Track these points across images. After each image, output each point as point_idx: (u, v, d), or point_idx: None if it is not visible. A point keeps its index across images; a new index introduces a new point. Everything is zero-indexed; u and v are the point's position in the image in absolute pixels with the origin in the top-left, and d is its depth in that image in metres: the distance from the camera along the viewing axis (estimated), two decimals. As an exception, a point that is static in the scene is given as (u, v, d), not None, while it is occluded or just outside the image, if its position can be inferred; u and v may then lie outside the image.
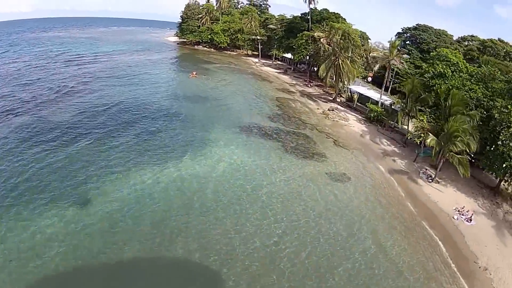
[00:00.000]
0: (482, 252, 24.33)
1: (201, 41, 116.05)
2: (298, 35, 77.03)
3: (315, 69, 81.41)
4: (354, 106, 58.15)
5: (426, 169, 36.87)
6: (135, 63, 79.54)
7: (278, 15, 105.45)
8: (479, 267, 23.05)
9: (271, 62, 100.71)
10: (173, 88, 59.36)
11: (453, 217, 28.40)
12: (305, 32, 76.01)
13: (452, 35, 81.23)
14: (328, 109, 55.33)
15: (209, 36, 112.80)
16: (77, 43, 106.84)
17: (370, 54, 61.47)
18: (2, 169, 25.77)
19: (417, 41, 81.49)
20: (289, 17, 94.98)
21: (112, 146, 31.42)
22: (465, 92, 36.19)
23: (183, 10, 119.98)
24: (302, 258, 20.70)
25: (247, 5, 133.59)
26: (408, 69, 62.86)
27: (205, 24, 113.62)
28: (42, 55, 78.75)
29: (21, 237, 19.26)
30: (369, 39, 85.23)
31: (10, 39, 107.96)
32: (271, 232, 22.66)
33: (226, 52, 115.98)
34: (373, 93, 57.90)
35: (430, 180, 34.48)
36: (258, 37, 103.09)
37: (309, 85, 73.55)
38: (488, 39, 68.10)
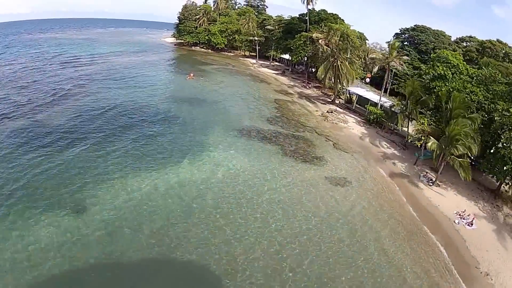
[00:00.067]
0: (484, 257, 24.16)
1: (198, 42, 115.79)
2: (296, 36, 76.78)
3: (313, 70, 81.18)
4: (353, 108, 57.86)
5: (427, 172, 36.64)
6: (132, 64, 78.86)
7: (275, 16, 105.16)
8: (481, 273, 22.88)
9: (268, 63, 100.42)
10: (170, 90, 58.79)
11: (454, 221, 28.18)
12: (303, 33, 75.77)
13: (450, 36, 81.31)
14: (327, 111, 54.98)
15: (207, 37, 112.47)
16: (73, 45, 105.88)
17: (369, 56, 61.13)
18: (-3, 175, 25.16)
19: (415, 42, 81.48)
20: (287, 18, 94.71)
21: (109, 151, 30.76)
22: (466, 95, 35.91)
23: (180, 11, 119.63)
24: (304, 267, 20.24)
25: (245, 6, 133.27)
26: (408, 70, 62.66)
27: (202, 25, 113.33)
28: (39, 57, 77.89)
29: (16, 247, 18.69)
30: (367, 40, 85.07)
31: (7, 41, 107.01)
32: (273, 240, 22.18)
33: (223, 53, 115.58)
34: (372, 95, 57.67)
35: (431, 184, 34.26)
36: (256, 38, 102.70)
37: (307, 87, 73.25)
38: (487, 40, 68.11)
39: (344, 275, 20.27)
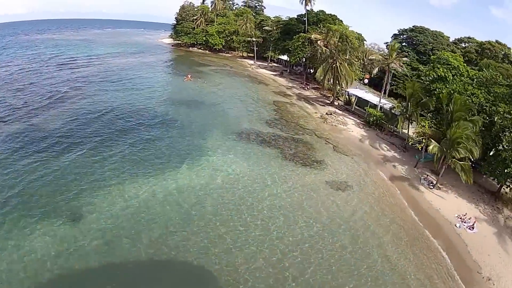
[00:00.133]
0: (485, 261, 24.04)
1: (195, 43, 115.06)
2: (294, 37, 76.31)
3: (311, 71, 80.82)
4: (352, 109, 57.51)
5: (427, 175, 36.40)
6: (129, 66, 78.20)
7: (273, 17, 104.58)
8: (483, 277, 22.78)
9: (266, 64, 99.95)
10: (168, 92, 58.20)
11: (455, 225, 28.03)
12: (302, 34, 75.33)
13: (449, 37, 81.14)
14: (326, 113, 54.61)
15: (204, 38, 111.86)
16: (70, 46, 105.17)
17: (369, 57, 60.79)
18: (-8, 182, 24.60)
19: (413, 42, 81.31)
20: (285, 19, 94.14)
21: (106, 156, 30.19)
22: (467, 97, 35.63)
23: (177, 11, 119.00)
24: (307, 276, 19.84)
25: (242, 7, 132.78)
26: (407, 72, 62.43)
27: (200, 26, 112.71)
28: (35, 58, 77.30)
29: (12, 257, 18.22)
30: (365, 40, 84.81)
31: (4, 42, 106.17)
32: (274, 248, 21.74)
33: (221, 54, 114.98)
34: (371, 97, 57.32)
35: (432, 187, 34.02)
36: (254, 39, 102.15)
37: (306, 88, 72.85)
38: (486, 41, 67.97)
39: (347, 284, 19.91)
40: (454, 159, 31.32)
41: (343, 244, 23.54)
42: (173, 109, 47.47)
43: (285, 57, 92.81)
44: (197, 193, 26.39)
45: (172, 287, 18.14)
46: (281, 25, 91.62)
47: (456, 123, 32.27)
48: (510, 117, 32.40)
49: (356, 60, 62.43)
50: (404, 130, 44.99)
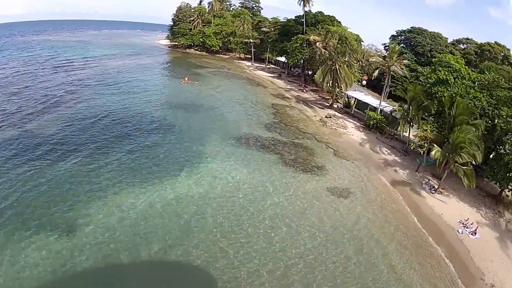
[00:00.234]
0: (488, 267, 23.88)
1: (192, 44, 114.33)
2: (292, 38, 75.85)
3: (310, 73, 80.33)
4: (352, 112, 56.97)
5: (429, 179, 36.05)
6: (126, 68, 77.38)
7: (271, 18, 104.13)
8: (486, 284, 22.56)
9: (264, 65, 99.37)
10: (166, 96, 57.38)
11: (457, 231, 27.77)
12: (300, 35, 74.87)
13: (447, 38, 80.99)
14: (326, 116, 54.01)
15: (201, 39, 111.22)
16: (67, 47, 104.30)
17: (370, 59, 60.25)
18: (-14, 193, 23.76)
19: (412, 44, 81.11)
20: (282, 20, 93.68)
21: (102, 164, 29.30)
22: (470, 101, 35.19)
23: (174, 12, 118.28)
24: (312, 290, 19.23)
25: (239, 8, 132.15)
26: (408, 74, 62.01)
27: (196, 27, 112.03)
28: (31, 60, 76.47)
29: (8, 272, 17.57)
30: (362, 41, 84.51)
31: (0, 43, 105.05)
32: (278, 261, 21.05)
33: (218, 55, 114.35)
34: (371, 99, 56.78)
35: (433, 191, 33.68)
36: (251, 40, 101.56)
37: (304, 90, 72.29)
38: (485, 43, 67.73)
39: (353, 298, 19.33)
40: (456, 164, 30.91)
41: (348, 254, 22.97)
42: (171, 113, 46.68)
43: (283, 59, 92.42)
44: (196, 203, 25.59)
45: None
46: (279, 26, 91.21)
47: (458, 127, 31.97)
48: (513, 120, 32.07)
49: (355, 62, 61.95)
50: (404, 133, 44.52)
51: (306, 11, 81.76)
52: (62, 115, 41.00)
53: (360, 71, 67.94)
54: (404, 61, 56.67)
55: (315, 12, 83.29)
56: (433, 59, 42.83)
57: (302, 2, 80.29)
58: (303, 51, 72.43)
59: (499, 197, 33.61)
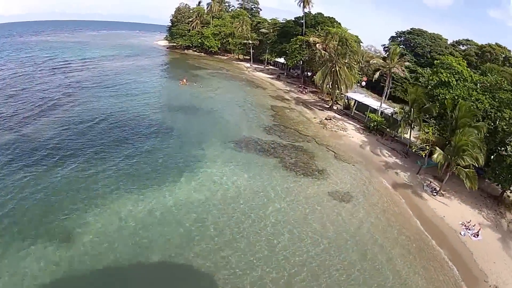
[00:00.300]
0: (491, 269, 23.83)
1: (191, 45, 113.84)
2: (291, 39, 75.45)
3: (309, 74, 79.98)
4: (352, 114, 56.58)
5: (430, 182, 35.83)
6: (124, 70, 76.88)
7: (270, 19, 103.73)
8: (490, 286, 22.52)
9: (263, 67, 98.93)
10: (164, 98, 56.83)
11: (460, 233, 27.65)
12: (299, 36, 74.46)
13: (447, 39, 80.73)
14: (326, 118, 53.65)
15: (200, 40, 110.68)
16: (65, 48, 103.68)
17: (371, 61, 59.85)
18: (-18, 201, 23.20)
19: (411, 45, 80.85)
20: (282, 21, 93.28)
21: (99, 170, 28.64)
22: (472, 103, 34.90)
23: (173, 13, 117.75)
24: (316, 298, 18.82)
25: (238, 9, 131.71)
26: (408, 75, 61.71)
27: (195, 28, 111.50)
28: (29, 62, 75.96)
29: (8, 284, 17.15)
30: (361, 42, 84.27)
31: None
32: (281, 269, 20.57)
33: (217, 56, 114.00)
34: (371, 101, 56.41)
35: (435, 194, 33.43)
36: (250, 41, 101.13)
37: (304, 92, 71.93)
38: (486, 44, 67.43)
39: (358, 306, 18.93)
40: (459, 166, 30.67)
41: (352, 260, 22.60)
42: (169, 116, 46.15)
43: (282, 60, 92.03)
44: (196, 210, 25.02)
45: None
46: (278, 28, 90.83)
47: (461, 130, 31.72)
48: (516, 123, 31.83)
49: (355, 63, 61.59)
50: (405, 135, 44.18)
51: (305, 12, 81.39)
52: (59, 118, 40.42)
53: (359, 72, 67.61)
54: (406, 63, 56.25)
55: (315, 13, 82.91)
56: (435, 61, 42.43)
57: (301, 3, 79.92)
58: (302, 53, 72.06)
59: (500, 198, 33.57)
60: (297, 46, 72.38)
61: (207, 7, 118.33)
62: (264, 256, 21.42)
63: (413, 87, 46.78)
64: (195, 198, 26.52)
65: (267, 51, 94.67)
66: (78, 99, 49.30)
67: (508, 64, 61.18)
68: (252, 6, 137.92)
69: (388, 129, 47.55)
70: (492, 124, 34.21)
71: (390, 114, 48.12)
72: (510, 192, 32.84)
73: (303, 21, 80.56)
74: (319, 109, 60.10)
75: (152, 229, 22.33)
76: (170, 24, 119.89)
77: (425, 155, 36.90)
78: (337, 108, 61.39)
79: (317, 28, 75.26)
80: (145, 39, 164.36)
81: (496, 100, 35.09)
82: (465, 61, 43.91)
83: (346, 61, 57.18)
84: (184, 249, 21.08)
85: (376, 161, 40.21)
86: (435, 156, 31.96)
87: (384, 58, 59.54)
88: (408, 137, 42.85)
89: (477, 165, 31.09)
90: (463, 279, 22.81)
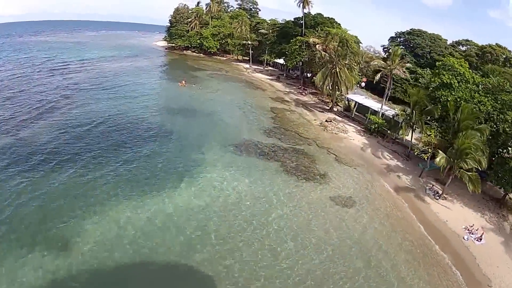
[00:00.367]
0: (495, 273, 23.79)
1: (190, 46, 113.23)
2: (291, 40, 75.05)
3: (308, 75, 79.58)
4: (352, 116, 56.19)
5: (433, 185, 35.61)
6: (123, 71, 76.45)
7: (269, 20, 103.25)
8: None
9: (262, 68, 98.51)
10: (163, 100, 56.41)
11: (463, 238, 27.45)
12: (299, 37, 74.06)
13: (446, 40, 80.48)
14: (326, 120, 53.27)
15: (198, 41, 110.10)
16: (64, 49, 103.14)
17: (372, 63, 59.46)
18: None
19: (411, 45, 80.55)
20: (281, 22, 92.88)
21: (98, 175, 28.03)
22: (474, 105, 34.57)
23: (171, 14, 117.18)
24: (321, 309, 18.38)
25: (237, 9, 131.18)
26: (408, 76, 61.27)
27: (194, 29, 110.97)
28: (27, 63, 75.44)
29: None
30: (361, 43, 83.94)
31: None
32: (286, 279, 20.12)
33: (216, 57, 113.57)
34: (372, 103, 56.00)
35: (438, 197, 33.16)
36: (249, 42, 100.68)
37: (304, 93, 71.52)
38: (486, 45, 67.09)
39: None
40: (461, 170, 30.40)
41: (356, 267, 22.24)
42: (169, 118, 45.66)
43: (281, 61, 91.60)
44: (197, 217, 24.49)
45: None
46: (277, 28, 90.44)
47: (464, 133, 31.44)
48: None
49: (356, 64, 61.20)
50: (407, 137, 43.82)
51: (305, 13, 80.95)
52: (56, 121, 39.85)
53: (359, 73, 67.24)
54: (407, 64, 55.87)
55: (315, 14, 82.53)
56: (437, 63, 42.06)
57: (301, 4, 79.52)
58: (302, 54, 71.64)
59: (502, 201, 33.38)
60: (297, 47, 71.98)
61: (206, 8, 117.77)
62: (267, 265, 20.94)
63: (413, 88, 46.59)
64: (196, 205, 26.00)
65: (266, 52, 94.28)
66: (76, 102, 48.76)
67: (508, 65, 60.93)
68: (251, 7, 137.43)
69: (389, 131, 47.27)
70: (494, 126, 33.87)
71: (391, 116, 47.77)
72: (513, 194, 32.50)
73: (302, 21, 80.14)
74: (319, 111, 59.71)
75: (152, 237, 21.81)
76: (169, 24, 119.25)
77: (427, 158, 36.53)
78: (337, 109, 61.01)
79: (317, 29, 74.85)
80: (144, 40, 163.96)
81: (499, 102, 34.82)
82: (467, 63, 43.57)
83: (346, 62, 56.72)
84: (185, 258, 20.59)
85: (377, 164, 39.88)
86: (437, 159, 31.59)
87: (384, 59, 59.25)
88: (410, 139, 42.48)
89: (480, 169, 30.76)
90: (467, 283, 22.64)
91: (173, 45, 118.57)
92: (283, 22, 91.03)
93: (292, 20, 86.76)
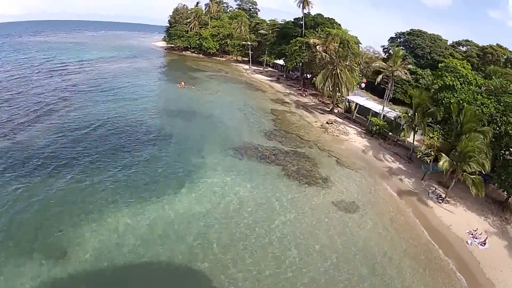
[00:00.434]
0: (498, 278, 23.68)
1: (189, 46, 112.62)
2: (291, 41, 74.57)
3: (308, 76, 79.12)
4: (353, 117, 55.73)
5: (435, 188, 35.23)
6: (122, 72, 75.87)
7: (269, 20, 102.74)
8: None
9: (262, 69, 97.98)
10: (162, 102, 55.76)
11: (467, 242, 27.20)
12: (299, 38, 73.58)
13: (447, 40, 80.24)
14: (327, 122, 52.80)
15: (198, 41, 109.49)
16: (63, 49, 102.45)
17: (373, 64, 59.02)
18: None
19: (411, 46, 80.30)
20: (281, 22, 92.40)
21: (96, 181, 27.42)
22: (477, 107, 34.21)
23: (170, 14, 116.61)
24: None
25: (237, 10, 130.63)
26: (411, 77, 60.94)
27: (193, 29, 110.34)
28: (26, 63, 74.84)
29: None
30: (360, 43, 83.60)
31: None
32: (290, 287, 19.74)
33: (215, 58, 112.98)
34: (373, 104, 55.52)
35: (441, 201, 32.78)
36: (249, 43, 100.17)
37: (304, 95, 70.99)
38: (487, 45, 66.78)
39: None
40: (465, 173, 30.03)
41: (361, 275, 21.87)
42: (168, 121, 45.07)
43: (281, 62, 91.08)
44: (198, 224, 23.95)
45: None
46: (277, 29, 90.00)
47: (467, 135, 31.15)
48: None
49: (356, 65, 60.76)
50: (409, 139, 43.44)
51: (305, 13, 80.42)
52: (54, 124, 39.23)
53: (359, 74, 66.82)
54: (409, 66, 55.49)
55: (315, 15, 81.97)
56: (440, 65, 41.68)
57: (301, 4, 78.97)
58: (302, 54, 71.17)
59: (505, 204, 33.03)
60: (297, 47, 71.53)
61: (205, 8, 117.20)
62: (272, 274, 20.46)
63: (413, 89, 46.25)
64: (196, 211, 25.46)
65: (266, 52, 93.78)
66: (74, 104, 48.16)
67: (510, 66, 60.60)
68: (250, 7, 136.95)
69: (390, 133, 46.86)
70: (497, 128, 33.54)
71: (392, 118, 47.31)
72: (516, 197, 32.10)
73: (302, 22, 79.55)
74: (319, 113, 59.26)
75: (152, 246, 21.29)
76: (168, 25, 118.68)
77: (430, 161, 36.15)
78: (338, 111, 60.55)
79: (317, 29, 74.31)
80: (144, 40, 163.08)
81: (502, 104, 34.54)
82: (469, 64, 43.23)
83: (347, 63, 56.26)
84: (187, 267, 20.10)
85: (379, 167, 39.53)
86: (441, 163, 31.26)
87: (384, 60, 58.87)
88: (412, 142, 42.09)
89: (484, 172, 30.41)
90: (471, 288, 22.03)
91: (172, 45, 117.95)
92: (283, 22, 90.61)
93: (292, 20, 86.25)
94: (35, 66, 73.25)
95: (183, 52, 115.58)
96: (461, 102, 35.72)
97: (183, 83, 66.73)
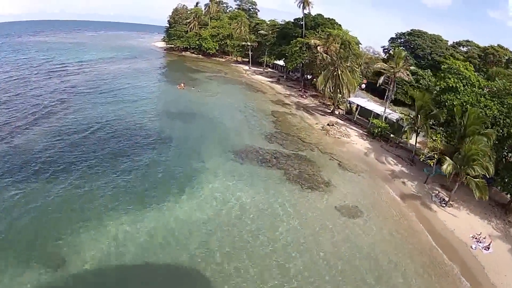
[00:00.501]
0: (503, 282, 23.50)
1: (189, 47, 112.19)
2: (291, 41, 74.15)
3: (309, 77, 78.69)
4: (354, 119, 55.31)
5: (438, 192, 34.88)
6: (121, 73, 75.45)
7: (269, 20, 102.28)
8: None
9: (262, 69, 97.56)
10: (162, 104, 55.25)
11: (471, 247, 26.92)
12: (299, 38, 73.17)
13: (447, 41, 79.98)
14: (328, 124, 52.37)
15: (197, 42, 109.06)
16: (62, 50, 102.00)
17: (375, 66, 58.61)
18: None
19: (411, 46, 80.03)
20: (281, 23, 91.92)
21: (94, 187, 26.85)
22: (480, 109, 33.84)
23: (170, 14, 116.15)
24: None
25: (236, 10, 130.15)
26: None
27: (193, 29, 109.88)
28: (25, 64, 74.43)
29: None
30: (360, 44, 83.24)
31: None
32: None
33: (215, 58, 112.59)
34: (374, 105, 55.11)
35: (444, 205, 32.41)
36: (248, 43, 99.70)
37: (304, 96, 70.58)
38: (489, 46, 66.45)
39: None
40: (468, 176, 29.71)
41: (367, 283, 21.50)
42: (167, 124, 44.57)
43: (281, 63, 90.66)
44: (200, 232, 23.43)
45: None
46: (277, 29, 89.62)
47: (470, 138, 30.80)
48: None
49: (357, 66, 60.36)
50: (411, 142, 43.04)
51: (305, 14, 79.98)
52: (52, 127, 38.68)
53: (360, 75, 66.45)
54: (411, 67, 55.14)
55: (315, 15, 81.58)
56: (442, 66, 41.31)
57: (301, 4, 78.58)
58: (302, 55, 70.77)
59: (508, 207, 32.80)
60: (297, 48, 71.15)
61: (205, 8, 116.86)
62: (277, 284, 19.94)
63: (414, 89, 45.86)
64: (198, 218, 24.93)
65: (266, 53, 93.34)
66: (73, 106, 47.63)
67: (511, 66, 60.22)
68: (250, 7, 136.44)
69: (392, 135, 46.46)
70: (501, 130, 33.22)
71: (394, 120, 46.92)
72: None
73: (303, 22, 79.09)
74: (320, 114, 58.86)
75: (152, 254, 20.78)
76: (168, 25, 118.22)
77: (433, 164, 35.76)
78: (339, 113, 60.15)
79: (317, 30, 73.95)
80: (143, 40, 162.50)
81: (505, 106, 34.25)
82: (472, 66, 42.88)
83: (348, 64, 55.83)
84: (189, 277, 19.67)
85: (381, 169, 39.19)
86: (445, 166, 30.91)
87: (384, 60, 58.47)
88: (414, 144, 41.70)
89: (488, 176, 30.06)
90: (476, 294, 21.75)
91: (172, 46, 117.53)
92: (283, 23, 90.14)
93: (292, 21, 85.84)
94: (34, 66, 72.82)
95: (183, 53, 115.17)
96: (464, 104, 35.37)
97: (182, 85, 66.30)
